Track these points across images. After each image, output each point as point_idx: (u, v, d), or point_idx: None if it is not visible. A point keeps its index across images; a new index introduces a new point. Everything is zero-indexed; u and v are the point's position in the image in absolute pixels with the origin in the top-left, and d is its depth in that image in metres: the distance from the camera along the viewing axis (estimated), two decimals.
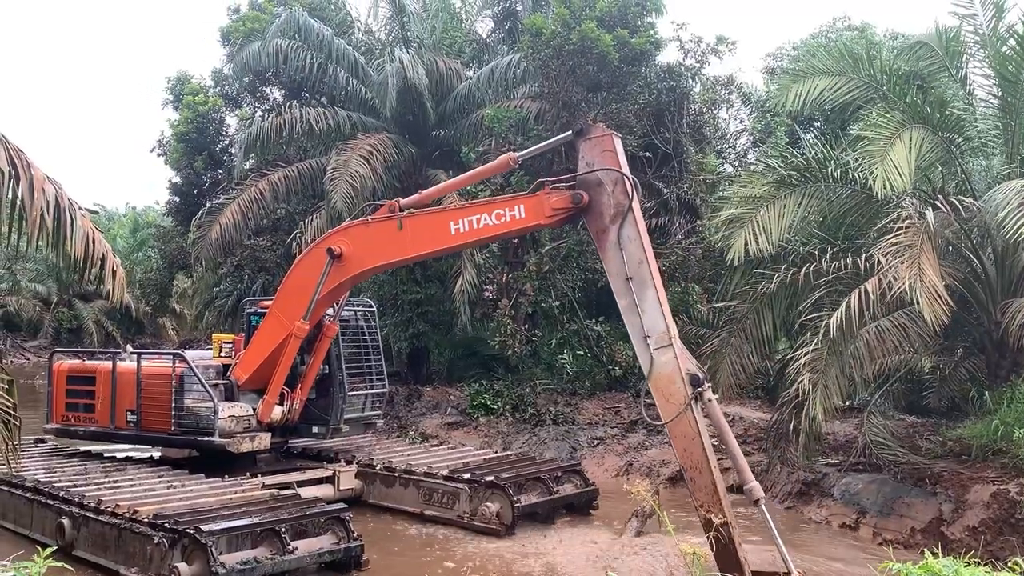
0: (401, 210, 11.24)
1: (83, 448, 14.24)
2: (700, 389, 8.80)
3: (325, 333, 12.97)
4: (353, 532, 9.89)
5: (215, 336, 14.34)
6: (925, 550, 5.43)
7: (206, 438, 12.15)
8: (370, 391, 13.89)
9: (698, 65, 20.89)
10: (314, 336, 12.84)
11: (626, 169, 9.60)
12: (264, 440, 12.56)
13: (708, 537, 8.07)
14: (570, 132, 10.22)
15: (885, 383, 13.48)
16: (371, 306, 14.75)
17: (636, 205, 9.49)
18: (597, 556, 10.55)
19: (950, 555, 5.20)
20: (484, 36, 25.11)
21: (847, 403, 14.63)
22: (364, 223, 11.81)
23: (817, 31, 28.07)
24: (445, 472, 12.48)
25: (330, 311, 12.95)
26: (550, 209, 10.00)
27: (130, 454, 13.98)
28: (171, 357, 13.21)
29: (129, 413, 12.98)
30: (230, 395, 12.59)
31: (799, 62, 18.27)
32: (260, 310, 13.17)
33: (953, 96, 13.72)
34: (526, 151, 11.50)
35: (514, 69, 20.51)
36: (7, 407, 7.26)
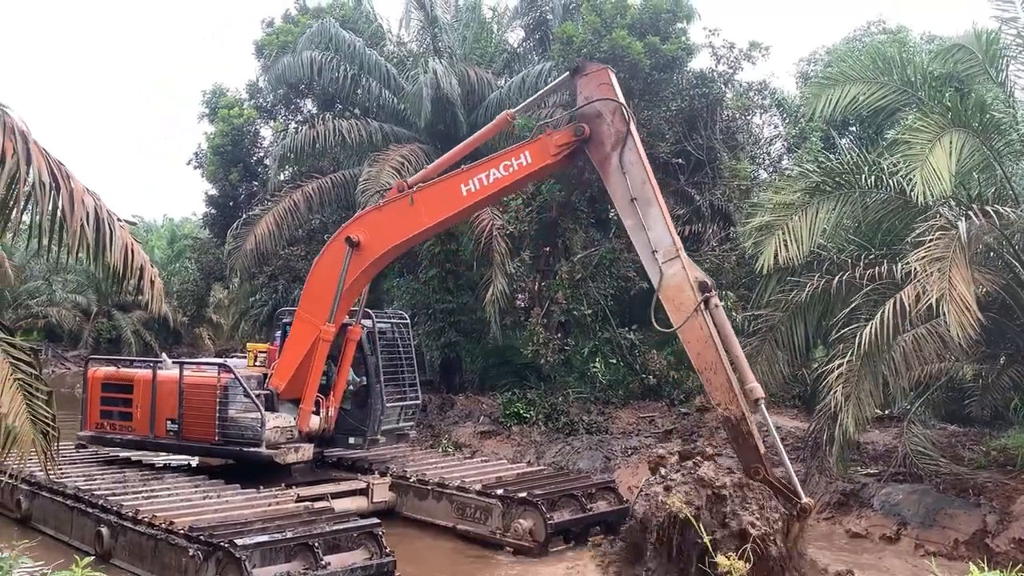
0: (410, 187, 11.62)
1: (123, 455, 14.39)
2: (707, 295, 9.34)
3: (349, 337, 13.07)
4: (386, 547, 9.90)
5: (250, 345, 14.47)
6: (970, 563, 5.31)
7: (252, 449, 12.20)
8: (404, 402, 13.94)
9: (731, 71, 20.72)
10: (340, 341, 12.94)
11: (622, 99, 10.36)
12: (307, 451, 12.66)
13: (727, 433, 9.15)
14: (567, 73, 10.95)
15: (925, 392, 13.21)
16: (404, 318, 14.84)
17: (634, 130, 10.17)
18: None
19: (995, 568, 5.08)
20: (515, 45, 25.12)
21: (886, 412, 14.38)
22: (376, 208, 12.31)
23: (851, 35, 27.69)
24: (478, 487, 12.46)
25: (350, 319, 13.06)
26: (554, 147, 10.58)
27: (167, 461, 14.11)
28: (216, 367, 13.25)
29: (169, 422, 13.01)
30: (270, 405, 12.66)
31: (831, 68, 18.04)
32: None
33: (993, 99, 13.45)
34: (524, 103, 12.21)
35: (545, 78, 20.48)
36: (46, 418, 7.36)
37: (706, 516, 8.44)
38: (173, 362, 13.94)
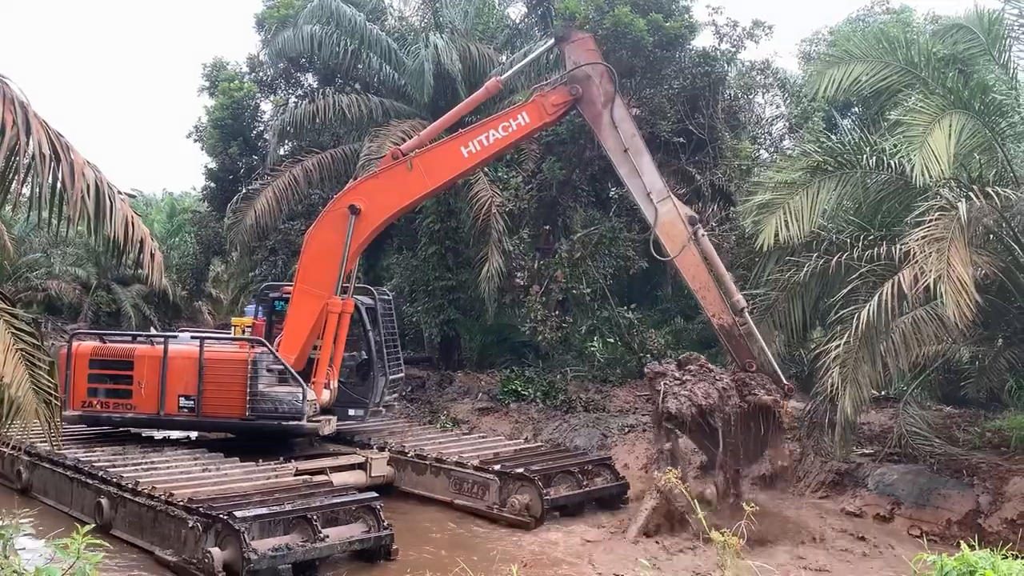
0: (403, 155, 12.18)
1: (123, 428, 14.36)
2: (695, 227, 11.36)
3: (344, 310, 13.10)
4: (384, 521, 9.98)
5: (235, 320, 14.46)
6: (961, 542, 5.36)
7: (294, 423, 12.25)
8: (393, 376, 14.15)
9: (733, 50, 20.61)
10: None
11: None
12: (334, 423, 12.85)
13: (722, 339, 11.44)
14: (552, 40, 12.30)
15: (922, 373, 13.25)
16: (388, 295, 15.10)
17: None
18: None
19: (987, 548, 5.13)
20: (517, 21, 24.95)
21: (883, 393, 14.44)
22: (372, 176, 12.69)
23: (855, 15, 27.53)
24: (476, 462, 12.55)
25: (342, 294, 13.13)
26: (551, 107, 11.82)
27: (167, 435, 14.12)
28: (234, 342, 13.23)
29: (183, 399, 12.76)
30: (284, 379, 12.68)
31: (834, 47, 17.93)
32: (284, 295, 13.29)
33: (996, 81, 13.38)
34: (511, 70, 13.14)
35: (547, 55, 20.39)
36: (48, 387, 7.38)
37: (721, 404, 10.84)
38: (192, 336, 13.77)
